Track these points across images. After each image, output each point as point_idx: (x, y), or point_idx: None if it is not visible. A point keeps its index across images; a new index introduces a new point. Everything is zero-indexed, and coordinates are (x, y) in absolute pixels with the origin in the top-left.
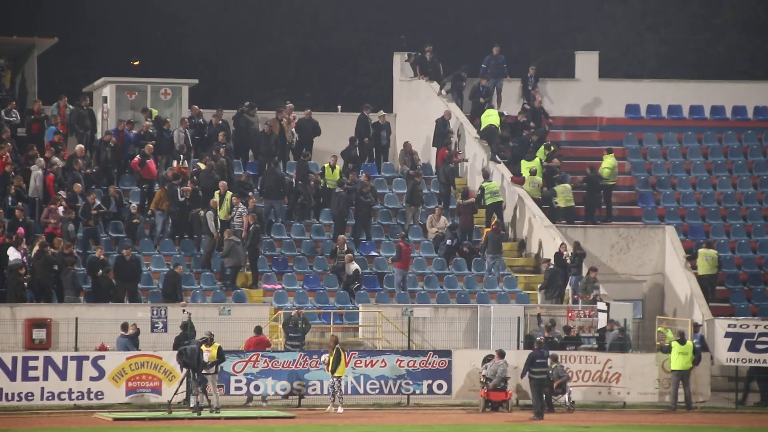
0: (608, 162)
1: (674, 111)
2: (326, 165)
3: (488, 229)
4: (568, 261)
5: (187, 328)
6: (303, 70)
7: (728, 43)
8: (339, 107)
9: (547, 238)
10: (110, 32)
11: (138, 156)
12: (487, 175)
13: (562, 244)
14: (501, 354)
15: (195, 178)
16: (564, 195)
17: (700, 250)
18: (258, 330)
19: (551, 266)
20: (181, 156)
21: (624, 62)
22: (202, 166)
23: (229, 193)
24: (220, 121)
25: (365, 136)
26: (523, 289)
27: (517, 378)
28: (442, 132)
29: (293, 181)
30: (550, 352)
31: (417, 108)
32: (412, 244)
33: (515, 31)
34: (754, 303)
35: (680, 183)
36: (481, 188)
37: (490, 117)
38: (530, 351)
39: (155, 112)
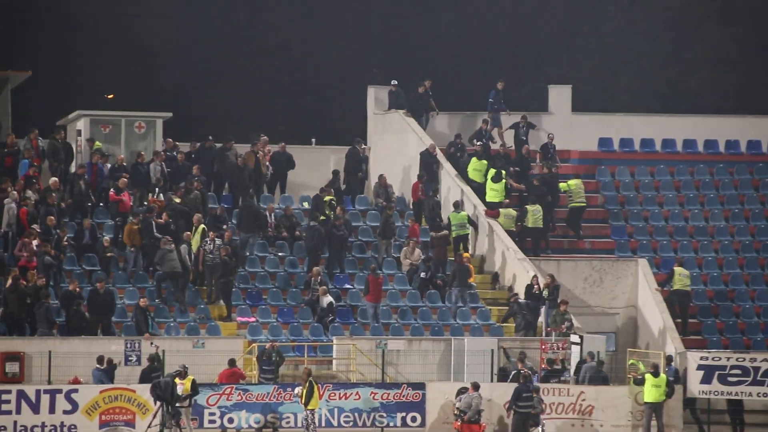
0: (573, 182)
1: (647, 144)
2: (326, 199)
3: (466, 254)
4: (544, 294)
5: (155, 361)
6: (277, 103)
7: (699, 78)
8: (313, 140)
9: (520, 271)
10: (84, 65)
11: (112, 189)
12: (456, 206)
13: (534, 276)
14: (476, 386)
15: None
16: (533, 215)
17: (675, 268)
18: (231, 362)
19: (518, 299)
20: (157, 189)
21: (596, 96)
22: (177, 199)
23: (201, 226)
24: (192, 155)
25: (357, 171)
26: (497, 322)
27: (491, 410)
28: (428, 163)
29: (267, 214)
30: (534, 384)
31: (391, 141)
32: (386, 276)
33: (489, 65)
34: (726, 336)
35: (653, 216)
36: (448, 219)
37: (476, 173)
38: (516, 385)
39: (98, 144)
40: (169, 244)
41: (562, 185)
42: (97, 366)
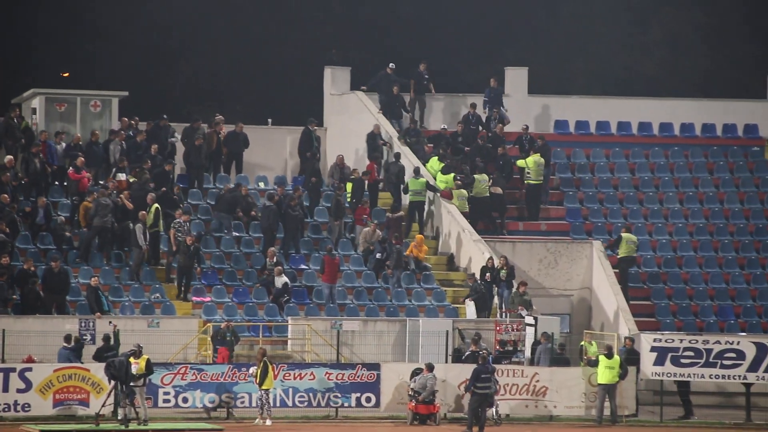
0: (530, 160)
1: (602, 127)
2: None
3: (420, 236)
4: (501, 275)
5: (110, 340)
6: (234, 84)
7: (656, 61)
8: (270, 121)
9: (475, 252)
10: (40, 44)
11: (71, 168)
12: (417, 172)
13: (490, 258)
14: (430, 367)
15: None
16: (480, 184)
17: (623, 234)
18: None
19: (477, 281)
20: (114, 170)
21: (553, 78)
22: (132, 179)
23: (155, 206)
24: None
25: (308, 151)
26: (452, 303)
27: (446, 391)
28: (373, 146)
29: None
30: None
31: (347, 122)
32: (341, 257)
33: (446, 47)
34: (680, 318)
35: (608, 198)
36: (407, 184)
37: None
38: (475, 366)
39: (25, 122)
40: (104, 197)
41: (519, 162)
42: (65, 345)
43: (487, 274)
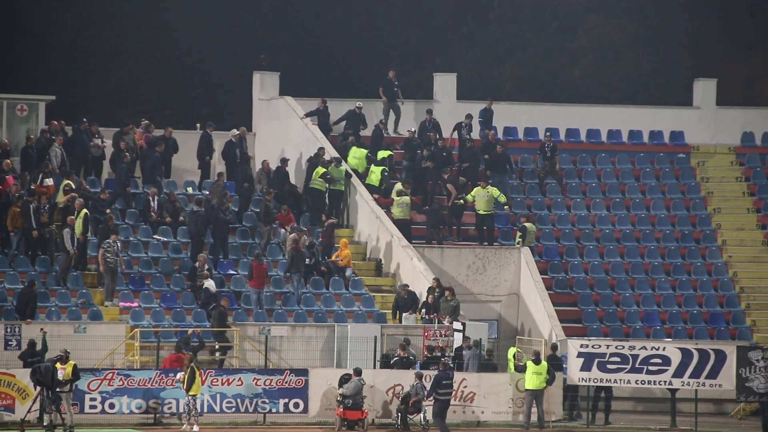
0: (476, 192)
1: (530, 133)
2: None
3: (344, 241)
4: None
5: (35, 345)
6: (162, 88)
7: (582, 68)
8: (198, 125)
9: (404, 258)
10: None
11: None
12: (338, 162)
13: (435, 279)
14: (357, 372)
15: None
16: (397, 206)
17: (526, 224)
18: (178, 348)
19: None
20: (41, 175)
21: (481, 84)
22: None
23: (84, 211)
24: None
25: (207, 155)
26: (381, 309)
27: (374, 396)
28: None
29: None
30: (416, 370)
31: (276, 127)
32: (270, 262)
33: (375, 52)
34: (606, 324)
35: (535, 204)
36: (329, 172)
37: (355, 159)
38: (437, 372)
39: None
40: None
41: (468, 196)
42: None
43: (431, 296)
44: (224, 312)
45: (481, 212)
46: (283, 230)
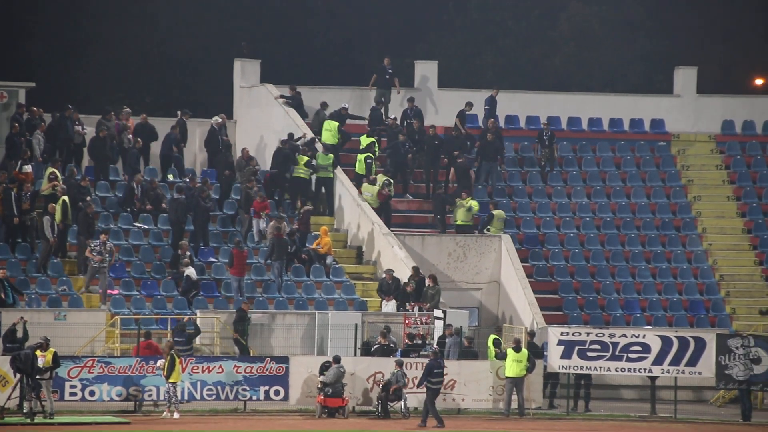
0: (464, 206)
1: (511, 121)
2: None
3: (324, 228)
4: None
5: (16, 332)
6: (143, 75)
7: (563, 56)
8: (179, 113)
9: (385, 246)
10: None
11: None
12: (327, 149)
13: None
14: (336, 359)
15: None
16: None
17: (494, 212)
18: (147, 335)
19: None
20: (20, 162)
21: (462, 72)
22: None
23: (63, 197)
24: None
25: (181, 141)
26: (361, 296)
27: (354, 384)
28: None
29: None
30: (397, 358)
31: (258, 115)
32: (250, 250)
33: (356, 40)
34: (587, 311)
35: (516, 192)
36: (316, 159)
37: (327, 132)
38: (428, 361)
39: None
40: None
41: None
42: None
43: (409, 285)
44: (244, 315)
45: (459, 222)
46: (259, 219)
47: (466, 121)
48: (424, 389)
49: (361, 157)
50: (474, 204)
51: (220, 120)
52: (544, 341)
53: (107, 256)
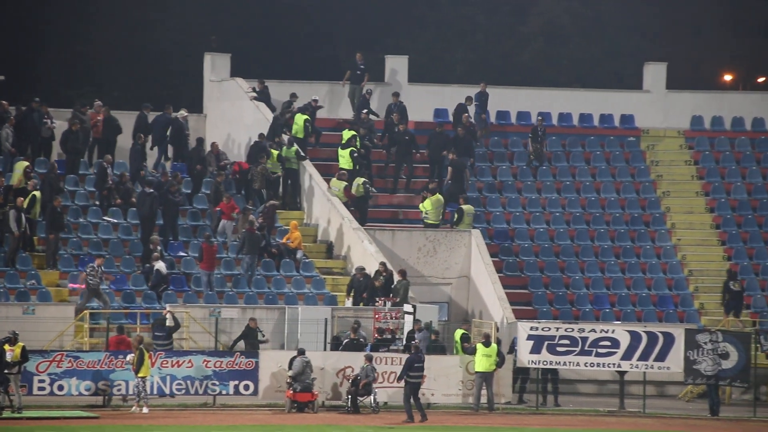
0: (428, 204)
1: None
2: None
3: (294, 222)
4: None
5: None
6: (111, 69)
7: (533, 51)
8: (149, 106)
9: (355, 241)
10: None
11: None
12: (290, 143)
13: (382, 263)
14: (301, 352)
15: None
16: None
17: (464, 206)
18: (120, 329)
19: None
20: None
21: (432, 67)
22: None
23: (34, 192)
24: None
25: (143, 134)
26: (331, 291)
27: (324, 379)
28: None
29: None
30: (367, 353)
31: (227, 109)
32: (220, 244)
33: (327, 34)
34: (556, 306)
35: (487, 187)
36: (280, 154)
37: (296, 126)
38: (408, 355)
39: None
40: None
41: (422, 206)
42: None
43: (377, 281)
44: (254, 331)
45: (431, 221)
46: (228, 221)
47: (461, 116)
48: (402, 384)
49: (343, 152)
50: (434, 199)
51: (185, 113)
52: (514, 336)
53: (102, 279)
